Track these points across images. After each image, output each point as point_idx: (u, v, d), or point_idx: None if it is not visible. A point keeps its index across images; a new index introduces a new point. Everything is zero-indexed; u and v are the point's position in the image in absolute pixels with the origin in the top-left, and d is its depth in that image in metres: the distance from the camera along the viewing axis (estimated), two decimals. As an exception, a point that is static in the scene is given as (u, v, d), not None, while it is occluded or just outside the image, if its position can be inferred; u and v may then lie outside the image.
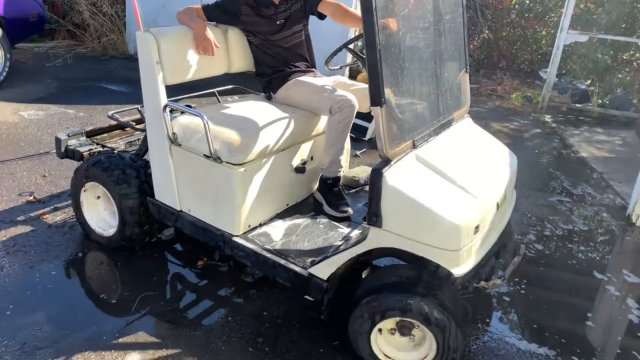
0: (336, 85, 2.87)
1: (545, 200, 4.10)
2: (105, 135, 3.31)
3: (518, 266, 2.43)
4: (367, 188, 3.04)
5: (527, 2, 9.36)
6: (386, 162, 2.01)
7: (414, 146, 2.17)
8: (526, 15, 9.25)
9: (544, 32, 9.45)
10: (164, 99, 2.48)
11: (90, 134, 3.22)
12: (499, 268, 2.64)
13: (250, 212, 2.44)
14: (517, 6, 9.36)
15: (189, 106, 3.39)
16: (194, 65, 2.64)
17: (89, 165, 2.75)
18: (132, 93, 5.66)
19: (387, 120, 1.95)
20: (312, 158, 2.84)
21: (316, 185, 2.88)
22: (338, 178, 2.75)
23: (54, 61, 6.76)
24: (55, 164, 3.75)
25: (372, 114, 1.95)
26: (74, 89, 5.76)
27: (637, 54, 8.24)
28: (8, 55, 5.48)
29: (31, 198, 3.28)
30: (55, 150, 3.15)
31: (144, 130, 2.99)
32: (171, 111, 2.53)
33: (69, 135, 3.07)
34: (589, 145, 5.69)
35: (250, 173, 2.41)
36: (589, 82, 7.79)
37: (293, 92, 2.81)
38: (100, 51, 7.45)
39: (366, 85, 2.88)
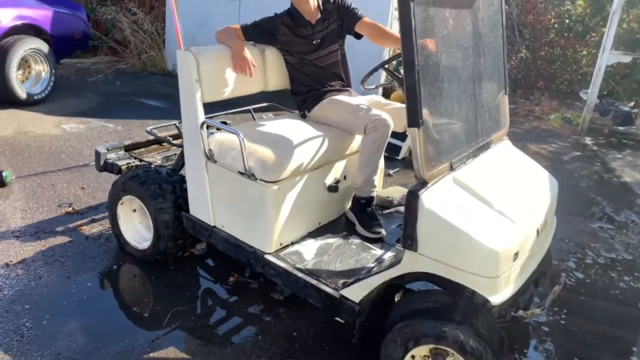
0: (371, 104, 2.86)
1: (587, 226, 3.95)
2: (143, 149, 3.38)
3: (558, 295, 2.33)
4: (400, 209, 3.00)
5: (567, 21, 9.19)
6: (423, 183, 1.96)
7: (452, 168, 2.12)
8: (566, 34, 9.07)
9: (584, 52, 9.23)
10: (201, 116, 2.51)
11: (128, 148, 3.29)
12: (538, 297, 2.54)
13: (282, 230, 2.43)
14: (556, 25, 9.20)
15: (225, 123, 3.44)
16: (231, 84, 2.67)
17: (126, 178, 2.80)
18: (169, 108, 5.79)
19: (424, 142, 1.91)
20: (345, 177, 2.82)
21: (349, 205, 2.85)
22: (371, 198, 2.72)
23: (95, 76, 6.99)
24: (93, 176, 3.85)
25: (409, 134, 1.92)
26: (114, 103, 5.93)
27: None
28: (53, 71, 5.70)
29: (70, 209, 3.37)
30: (94, 163, 3.22)
31: (180, 145, 3.04)
32: (207, 127, 2.56)
33: (108, 149, 3.15)
34: (633, 170, 5.48)
35: (284, 191, 2.41)
36: (632, 104, 7.55)
37: (328, 111, 2.81)
38: (140, 67, 7.68)
39: (401, 105, 2.88)
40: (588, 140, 6.52)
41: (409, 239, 1.95)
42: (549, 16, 9.17)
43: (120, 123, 5.19)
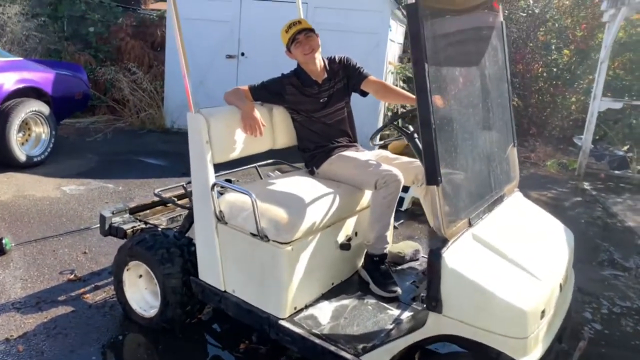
0: (379, 159, 2.86)
1: (597, 274, 3.88)
2: (148, 211, 3.32)
3: (583, 351, 2.25)
4: (413, 264, 2.95)
5: (555, 69, 9.46)
6: (443, 242, 1.92)
7: (470, 224, 2.09)
8: (554, 82, 9.33)
9: (573, 99, 9.46)
10: (212, 178, 2.48)
11: (133, 211, 3.23)
12: (562, 354, 2.45)
13: (296, 292, 2.36)
14: (544, 74, 9.46)
15: (230, 181, 3.41)
16: (241, 144, 2.67)
17: (133, 243, 2.73)
18: (169, 166, 5.77)
19: (443, 199, 1.89)
20: (356, 234, 2.78)
21: (361, 262, 2.80)
22: (384, 255, 2.67)
23: (94, 136, 7.02)
24: (95, 239, 3.76)
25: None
26: (114, 163, 5.92)
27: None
28: (53, 132, 5.71)
29: (72, 276, 3.26)
30: (96, 226, 3.15)
31: (185, 207, 2.99)
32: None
33: (113, 213, 3.08)
34: (635, 214, 5.48)
35: (297, 252, 2.35)
36: (625, 148, 7.66)
37: (337, 167, 2.80)
38: (139, 125, 7.73)
39: (410, 159, 2.88)
40: (586, 185, 6.56)
41: (432, 301, 1.89)
42: (537, 65, 9.46)
43: (121, 183, 5.15)
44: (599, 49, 9.60)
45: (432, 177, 1.86)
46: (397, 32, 8.33)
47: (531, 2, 9.52)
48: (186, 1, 6.83)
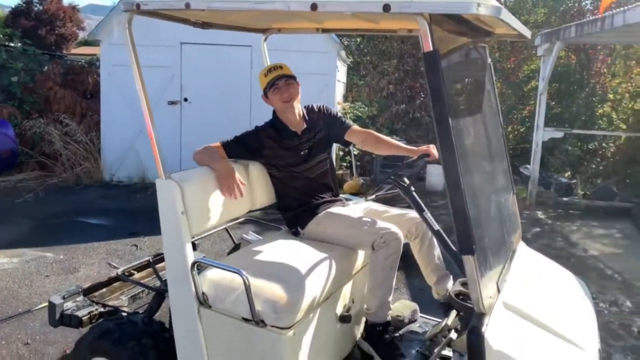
0: (368, 213, 2.64)
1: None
2: (105, 290, 2.85)
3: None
4: (412, 327, 2.68)
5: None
6: (481, 318, 1.68)
7: (498, 290, 1.87)
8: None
9: (509, 129, 9.84)
10: (191, 255, 2.12)
11: (87, 292, 2.76)
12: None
13: (302, 385, 2.02)
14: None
15: (193, 245, 3.03)
16: (219, 210, 2.33)
17: (94, 337, 2.29)
18: (115, 226, 5.23)
19: (480, 269, 1.66)
20: (353, 300, 2.50)
21: (359, 331, 2.51)
22: (388, 322, 2.41)
23: (24, 196, 6.32)
24: (38, 325, 3.21)
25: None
26: (50, 226, 5.29)
27: (604, 144, 8.63)
28: (-24, 197, 5.05)
29: (14, 380, 2.73)
30: (38, 308, 2.67)
31: (155, 288, 2.58)
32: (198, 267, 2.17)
33: (64, 298, 2.60)
34: (594, 241, 5.60)
35: (299, 335, 2.03)
36: (567, 174, 7.95)
37: (326, 227, 2.53)
38: (74, 180, 7.08)
39: (400, 211, 2.67)
40: (540, 215, 6.68)
41: (479, 392, 1.63)
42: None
43: (61, 250, 4.55)
44: (528, 81, 10.12)
45: (466, 245, 1.63)
46: (341, 72, 8.34)
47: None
48: (122, 47, 6.43)
